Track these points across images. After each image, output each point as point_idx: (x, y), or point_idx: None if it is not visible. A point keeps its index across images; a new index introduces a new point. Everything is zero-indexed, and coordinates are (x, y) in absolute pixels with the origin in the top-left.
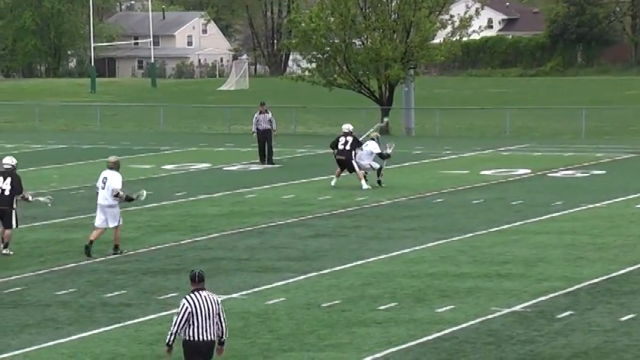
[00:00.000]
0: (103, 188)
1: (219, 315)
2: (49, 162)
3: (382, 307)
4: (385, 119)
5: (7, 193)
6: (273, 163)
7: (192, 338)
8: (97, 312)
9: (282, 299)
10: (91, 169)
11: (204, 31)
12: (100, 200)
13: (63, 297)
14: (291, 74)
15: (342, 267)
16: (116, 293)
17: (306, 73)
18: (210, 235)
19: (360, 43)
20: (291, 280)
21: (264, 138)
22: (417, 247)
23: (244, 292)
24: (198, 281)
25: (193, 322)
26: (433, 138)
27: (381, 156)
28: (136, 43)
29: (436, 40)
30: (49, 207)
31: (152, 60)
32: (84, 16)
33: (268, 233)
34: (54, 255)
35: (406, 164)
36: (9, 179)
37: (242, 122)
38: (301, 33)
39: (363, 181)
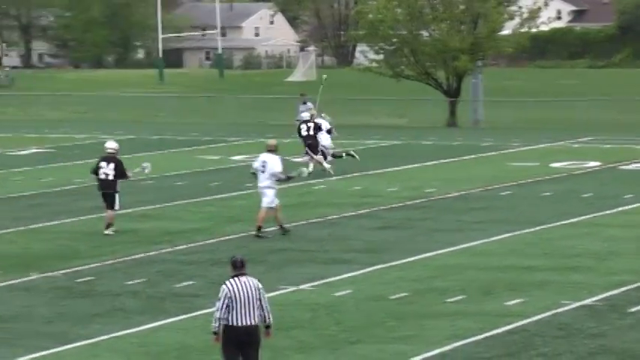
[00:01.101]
0: (263, 172)
1: (259, 300)
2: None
3: (450, 300)
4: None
5: (110, 177)
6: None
7: (231, 323)
8: (166, 302)
9: (349, 291)
10: (160, 160)
11: (272, 23)
12: (261, 183)
13: (133, 287)
14: (359, 65)
15: (410, 259)
16: (185, 284)
17: (374, 64)
18: (276, 227)
19: (427, 34)
20: (358, 272)
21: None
22: (485, 240)
23: (313, 284)
24: (239, 267)
25: (233, 306)
26: (502, 130)
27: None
28: (204, 35)
29: (504, 32)
30: (147, 173)
31: (220, 51)
32: (152, 8)
33: (336, 224)
34: (124, 245)
35: (474, 156)
36: (112, 164)
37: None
38: (368, 24)
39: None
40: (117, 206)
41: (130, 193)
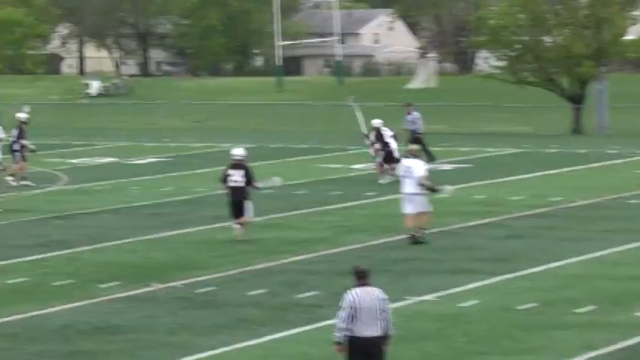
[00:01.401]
0: (408, 177)
1: (383, 311)
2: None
3: (580, 311)
4: None
5: (241, 184)
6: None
7: (355, 334)
8: (289, 313)
9: (476, 301)
10: (280, 169)
11: (391, 29)
12: (407, 189)
13: (255, 297)
14: (481, 72)
15: (537, 269)
16: (308, 294)
17: (496, 70)
18: (403, 236)
19: (550, 40)
20: (484, 282)
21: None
22: (613, 249)
23: (437, 294)
24: (363, 277)
25: (357, 317)
26: (628, 137)
27: None
28: (323, 42)
29: (629, 37)
30: (278, 186)
31: (339, 58)
32: (270, 15)
33: (461, 234)
34: (245, 255)
35: (600, 164)
36: (242, 171)
37: (431, 121)
38: (490, 30)
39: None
40: (250, 213)
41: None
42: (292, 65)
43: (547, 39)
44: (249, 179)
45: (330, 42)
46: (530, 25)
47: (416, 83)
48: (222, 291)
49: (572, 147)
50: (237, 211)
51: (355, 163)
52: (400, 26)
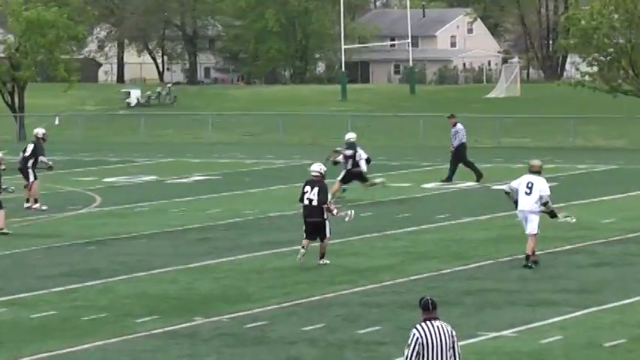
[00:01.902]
0: (529, 194)
1: (453, 348)
2: (295, 179)
3: None
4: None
5: (315, 203)
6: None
7: None
8: (347, 350)
9: (558, 337)
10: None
11: (470, 31)
12: (524, 206)
13: (310, 333)
14: (569, 79)
15: (629, 301)
16: (370, 329)
17: (586, 77)
18: (477, 264)
19: None
20: (569, 316)
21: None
22: None
23: (516, 329)
24: (431, 309)
25: (424, 354)
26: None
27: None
28: (392, 45)
29: None
30: (346, 222)
31: (410, 63)
32: (334, 15)
33: (543, 261)
34: (300, 285)
35: None
36: (317, 188)
37: (513, 134)
38: (580, 32)
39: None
40: (327, 234)
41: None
42: (358, 71)
43: None
44: (322, 198)
45: (400, 45)
46: (625, 27)
47: (497, 92)
48: (273, 326)
49: None
50: (311, 232)
51: (426, 182)
52: (480, 28)
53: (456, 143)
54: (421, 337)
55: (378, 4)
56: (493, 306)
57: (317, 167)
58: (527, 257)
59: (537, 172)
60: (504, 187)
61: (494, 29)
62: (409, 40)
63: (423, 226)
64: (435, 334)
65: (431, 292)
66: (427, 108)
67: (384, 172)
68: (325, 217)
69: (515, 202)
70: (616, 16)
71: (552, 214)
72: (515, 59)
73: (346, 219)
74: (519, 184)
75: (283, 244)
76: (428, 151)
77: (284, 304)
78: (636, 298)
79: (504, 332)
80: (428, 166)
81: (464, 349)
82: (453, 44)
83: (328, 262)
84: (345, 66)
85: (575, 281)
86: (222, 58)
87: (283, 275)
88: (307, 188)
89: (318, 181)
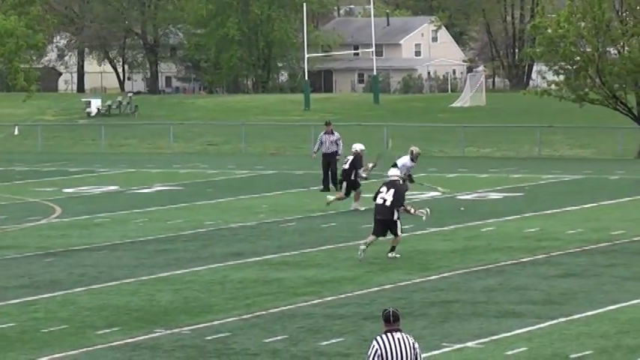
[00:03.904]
0: None
1: None
2: (256, 190)
3: None
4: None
5: (387, 203)
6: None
7: None
8: None
9: (524, 348)
10: (304, 199)
11: (435, 39)
12: None
13: (272, 345)
14: (535, 88)
15: (595, 312)
16: (333, 341)
17: (553, 86)
18: (442, 275)
19: (615, 51)
20: (534, 327)
21: (329, 161)
22: None
23: (481, 341)
24: (393, 321)
25: None
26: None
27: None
28: (356, 54)
29: None
30: (423, 220)
31: (374, 72)
32: (297, 23)
33: (509, 272)
34: (262, 297)
35: None
36: (392, 190)
37: (478, 144)
38: (547, 40)
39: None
40: (399, 233)
41: (270, 237)
42: (322, 80)
43: (612, 51)
44: (396, 200)
45: (364, 54)
46: (592, 35)
47: (462, 101)
48: (235, 338)
49: (637, 173)
50: (380, 230)
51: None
52: (445, 36)
53: (341, 150)
54: (380, 349)
55: (341, 12)
56: (458, 317)
57: (394, 172)
58: None
59: None
60: None
61: (459, 38)
62: (373, 49)
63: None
64: (396, 346)
65: (395, 303)
66: (391, 117)
67: None
68: (396, 217)
69: None
70: (583, 24)
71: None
72: (481, 68)
73: (423, 218)
74: None
75: (245, 255)
76: (392, 160)
77: (246, 316)
78: (602, 310)
79: (469, 343)
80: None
81: None
82: (418, 53)
83: (398, 256)
84: (309, 75)
85: (540, 292)
86: (184, 67)
87: (245, 287)
88: (383, 188)
89: (394, 183)
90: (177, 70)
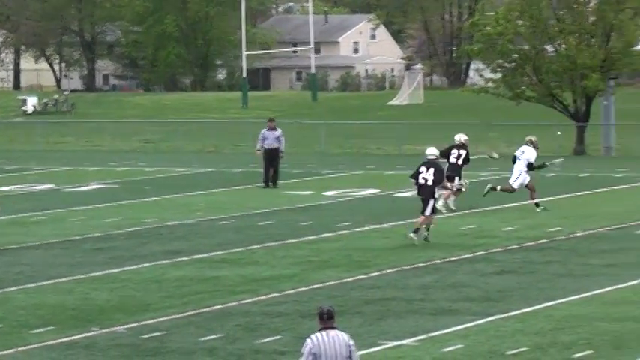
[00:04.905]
0: None
1: (350, 358)
2: (194, 188)
3: (576, 356)
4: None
5: (429, 183)
6: (277, 186)
7: None
8: None
9: (460, 345)
10: (242, 197)
11: (373, 37)
12: None
13: (209, 343)
14: (473, 86)
15: (530, 309)
16: (270, 339)
17: (490, 84)
18: (379, 272)
19: (552, 49)
20: (470, 324)
21: (271, 158)
22: (617, 286)
23: (417, 338)
24: (327, 319)
25: None
26: (637, 159)
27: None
28: (295, 51)
29: None
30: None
31: (312, 70)
32: (235, 21)
33: (445, 269)
34: (199, 295)
35: (605, 189)
36: (432, 169)
37: (416, 142)
38: (485, 38)
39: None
40: (428, 212)
41: (208, 235)
42: (260, 78)
43: (549, 48)
44: (437, 179)
45: (303, 52)
46: (530, 33)
47: (400, 98)
48: (172, 336)
49: (574, 170)
50: (425, 207)
51: (328, 190)
52: (383, 34)
53: (283, 147)
54: (314, 346)
55: (280, 9)
56: (394, 315)
57: (432, 150)
58: None
59: None
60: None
61: (397, 35)
62: (311, 47)
63: (325, 235)
64: (329, 343)
65: (332, 301)
66: (329, 115)
67: (285, 179)
68: (436, 196)
69: None
70: (521, 22)
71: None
72: (419, 66)
73: (463, 189)
74: None
75: (183, 253)
76: (329, 158)
77: (183, 314)
78: (538, 306)
79: (405, 341)
80: (329, 174)
81: (364, 358)
82: (356, 50)
83: (429, 233)
84: (247, 73)
85: (477, 289)
86: (121, 65)
87: (183, 285)
88: (423, 169)
89: (433, 163)
90: (114, 67)
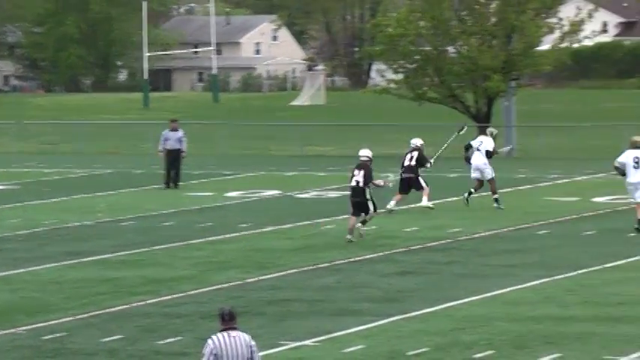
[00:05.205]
0: (636, 167)
1: (251, 359)
2: (95, 189)
3: (477, 356)
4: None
5: (361, 184)
6: (179, 187)
7: None
8: None
9: (361, 346)
10: (143, 198)
11: (275, 38)
12: (634, 178)
13: (110, 344)
14: (375, 87)
15: (431, 309)
16: (170, 340)
17: (392, 85)
18: (280, 273)
19: (454, 50)
20: (372, 325)
21: (172, 159)
22: (518, 286)
23: (318, 339)
24: (228, 319)
25: None
26: (538, 160)
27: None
28: (196, 52)
29: (542, 47)
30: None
31: (214, 71)
32: (136, 22)
33: (347, 270)
34: (100, 296)
35: (506, 190)
36: (362, 171)
37: (318, 142)
38: (387, 39)
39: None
40: (371, 210)
41: (108, 236)
42: (161, 79)
43: (450, 49)
44: (366, 180)
45: (204, 53)
46: (431, 34)
47: (302, 99)
48: (72, 338)
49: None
50: (356, 210)
51: (230, 191)
52: (285, 35)
53: (185, 148)
54: (215, 347)
55: (181, 10)
56: (295, 316)
57: (365, 152)
58: None
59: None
60: (615, 163)
61: (299, 36)
62: (213, 48)
63: (226, 236)
64: (231, 344)
65: (233, 302)
66: (231, 116)
67: (187, 180)
68: (368, 197)
69: (624, 175)
70: (422, 22)
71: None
72: (321, 67)
73: (390, 184)
74: (626, 158)
75: (83, 254)
76: (231, 159)
77: (83, 315)
78: (439, 307)
79: (306, 342)
80: (230, 175)
81: (265, 359)
82: (258, 51)
83: (366, 229)
84: (148, 73)
85: (378, 290)
86: (22, 66)
87: (83, 286)
88: (355, 171)
89: (364, 165)
90: (15, 68)
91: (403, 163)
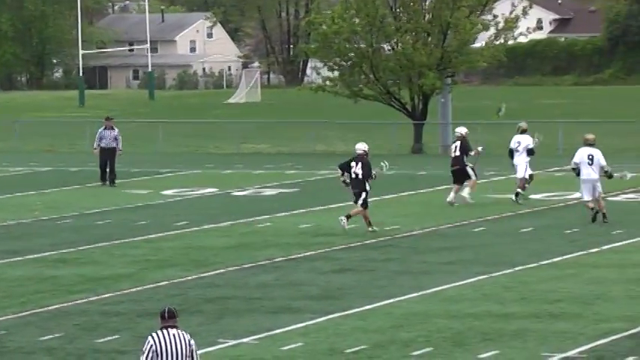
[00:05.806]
0: (590, 164)
1: (191, 357)
2: (31, 187)
3: (416, 353)
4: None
5: (360, 177)
6: (115, 185)
7: None
8: (86, 359)
9: (300, 344)
10: (80, 196)
11: (210, 36)
12: (587, 175)
13: (48, 343)
14: (310, 84)
15: (370, 306)
16: (109, 338)
17: (327, 82)
18: (217, 271)
19: (389, 47)
20: (310, 322)
21: (107, 157)
22: (456, 284)
23: (256, 336)
24: (168, 317)
25: None
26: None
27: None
28: (131, 50)
29: (477, 44)
30: (385, 173)
31: (149, 69)
32: (71, 19)
33: (284, 268)
34: (37, 294)
35: (443, 187)
36: (361, 163)
37: (253, 140)
38: (322, 36)
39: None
40: (360, 202)
41: (45, 234)
42: (97, 77)
43: (386, 47)
44: (365, 172)
45: (139, 50)
46: (366, 31)
47: (237, 97)
48: (11, 336)
49: (412, 168)
50: (357, 199)
51: (166, 189)
52: (220, 32)
53: (120, 146)
54: (155, 344)
55: (116, 8)
56: (233, 313)
57: (361, 145)
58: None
59: (593, 144)
60: (571, 164)
61: (234, 34)
62: (148, 45)
63: (163, 234)
64: (171, 342)
65: (171, 300)
66: (166, 114)
67: (123, 179)
68: (367, 188)
69: (579, 174)
70: (357, 20)
71: (610, 176)
72: (256, 64)
73: (384, 170)
74: (580, 157)
75: (21, 252)
76: (167, 157)
77: (21, 314)
78: (377, 304)
79: (245, 340)
80: (167, 173)
81: (204, 357)
82: (193, 49)
83: (345, 220)
84: (83, 71)
85: (316, 287)
86: None
87: (21, 284)
88: (353, 164)
89: (361, 157)
90: None
91: (451, 154)
